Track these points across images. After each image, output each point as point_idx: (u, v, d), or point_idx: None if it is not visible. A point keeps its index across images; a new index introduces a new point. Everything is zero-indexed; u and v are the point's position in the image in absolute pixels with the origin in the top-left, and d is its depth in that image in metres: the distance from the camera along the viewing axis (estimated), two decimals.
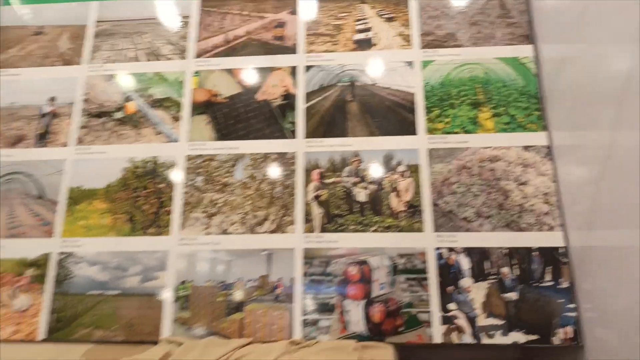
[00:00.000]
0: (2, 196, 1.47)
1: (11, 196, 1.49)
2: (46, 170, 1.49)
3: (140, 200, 1.39)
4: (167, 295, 1.17)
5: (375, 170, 1.17)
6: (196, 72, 1.42)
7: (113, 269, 1.33)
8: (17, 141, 1.53)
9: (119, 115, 1.49)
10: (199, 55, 1.43)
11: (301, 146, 1.22)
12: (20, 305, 1.23)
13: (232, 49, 1.40)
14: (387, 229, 1.10)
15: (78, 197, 1.45)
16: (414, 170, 1.14)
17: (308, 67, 1.31)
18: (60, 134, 1.52)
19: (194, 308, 1.18)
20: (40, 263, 1.37)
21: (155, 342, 1.09)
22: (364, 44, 1.31)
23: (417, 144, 1.16)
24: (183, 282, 1.20)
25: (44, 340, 1.16)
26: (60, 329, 1.21)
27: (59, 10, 1.68)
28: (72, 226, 1.40)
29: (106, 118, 1.50)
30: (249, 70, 1.36)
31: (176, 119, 1.41)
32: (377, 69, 1.28)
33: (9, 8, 1.72)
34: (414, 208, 1.10)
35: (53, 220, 1.37)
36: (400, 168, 1.14)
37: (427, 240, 1.06)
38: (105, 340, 1.15)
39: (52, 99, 1.54)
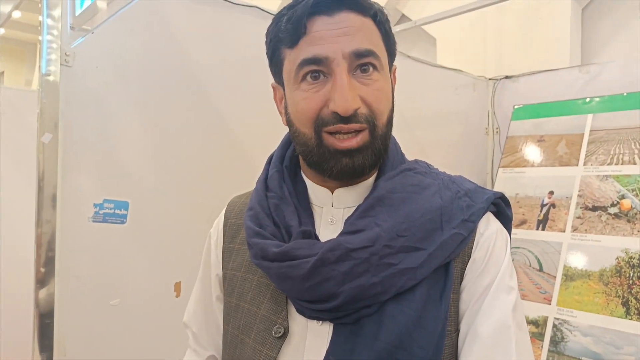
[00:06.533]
0: None
1: (516, 265, 1.72)
2: (546, 248, 1.76)
3: (635, 288, 1.50)
4: None
5: None
6: None
7: (606, 344, 1.47)
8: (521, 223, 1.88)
9: (613, 210, 1.67)
10: None
11: None
12: None
13: None
14: None
15: (573, 275, 1.64)
16: None
17: None
18: (557, 221, 1.79)
19: None
20: (539, 323, 1.64)
21: None
22: None
23: None
24: None
25: None
26: None
27: (558, 122, 1.96)
28: (567, 298, 1.60)
29: (601, 212, 1.69)
30: None
31: None
32: None
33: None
34: None
35: (551, 290, 1.64)
36: None
37: None
38: None
39: (551, 193, 1.86)
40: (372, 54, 0.63)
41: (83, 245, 1.16)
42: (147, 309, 1.26)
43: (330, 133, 0.63)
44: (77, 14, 1.07)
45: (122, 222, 1.20)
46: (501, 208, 0.71)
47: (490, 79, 2.34)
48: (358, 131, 0.63)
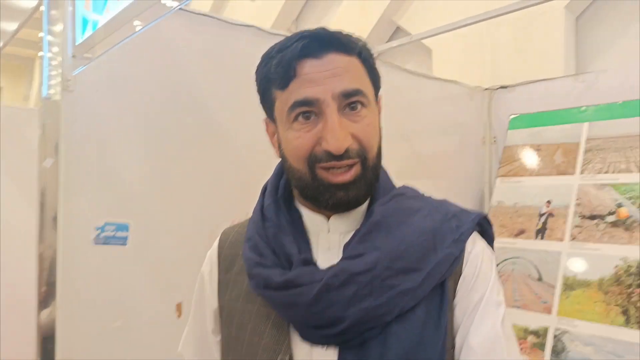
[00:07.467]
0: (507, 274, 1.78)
1: (515, 275, 1.78)
2: (545, 258, 1.75)
3: (634, 296, 1.50)
4: None
5: None
6: None
7: (607, 353, 1.46)
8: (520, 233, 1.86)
9: (611, 218, 1.66)
10: None
11: None
12: None
13: None
14: None
15: (573, 284, 1.64)
16: None
17: None
18: (556, 230, 1.78)
19: None
20: (540, 333, 1.62)
21: None
22: None
23: None
24: None
25: None
26: None
27: (554, 131, 1.97)
28: (568, 308, 1.60)
29: (598, 220, 1.68)
30: None
31: None
32: None
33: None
34: None
35: (551, 300, 1.63)
36: None
37: None
38: None
39: (549, 202, 1.85)
40: (360, 92, 0.67)
41: (85, 267, 1.16)
42: (149, 330, 1.26)
43: (324, 168, 0.65)
44: (77, 43, 1.08)
45: (123, 244, 1.21)
46: (485, 228, 0.74)
47: (486, 89, 2.35)
48: (351, 165, 0.65)
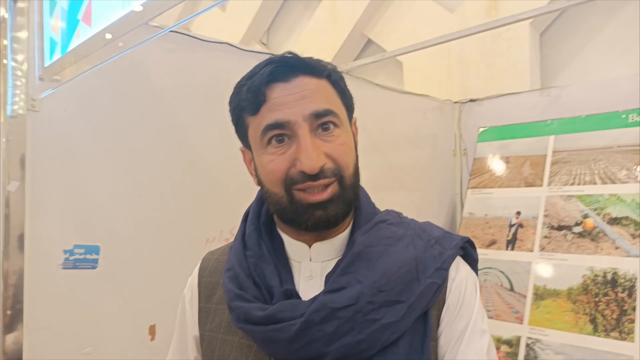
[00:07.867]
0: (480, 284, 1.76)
1: (488, 285, 1.82)
2: (516, 268, 1.79)
3: (602, 305, 1.54)
4: None
5: None
6: None
7: None
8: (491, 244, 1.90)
9: (578, 229, 1.71)
10: None
11: None
12: None
13: None
14: None
15: (543, 294, 1.67)
16: None
17: None
18: (526, 241, 1.81)
19: None
20: (512, 343, 1.66)
21: None
22: None
23: None
24: None
25: None
26: None
27: (522, 144, 2.01)
28: (539, 317, 1.64)
29: (566, 231, 1.73)
30: None
31: (634, 236, 1.58)
32: None
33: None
34: None
35: (522, 310, 1.67)
36: None
37: None
38: None
39: (518, 213, 1.89)
40: (331, 112, 0.66)
41: (52, 294, 1.12)
42: (121, 356, 1.22)
43: (301, 189, 0.65)
44: (45, 65, 1.04)
45: (94, 267, 1.17)
46: (468, 251, 0.74)
47: (455, 102, 2.40)
48: (327, 185, 0.65)
